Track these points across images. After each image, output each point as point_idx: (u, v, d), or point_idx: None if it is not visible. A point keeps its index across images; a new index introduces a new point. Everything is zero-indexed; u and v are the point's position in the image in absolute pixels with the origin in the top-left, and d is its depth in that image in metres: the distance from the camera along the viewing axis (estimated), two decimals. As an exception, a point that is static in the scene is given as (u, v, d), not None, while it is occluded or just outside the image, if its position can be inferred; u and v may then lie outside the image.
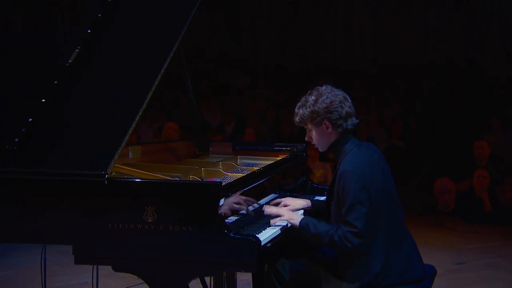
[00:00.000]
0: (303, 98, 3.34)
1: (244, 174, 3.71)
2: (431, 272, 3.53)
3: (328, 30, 12.53)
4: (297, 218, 3.33)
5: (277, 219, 3.36)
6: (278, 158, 4.14)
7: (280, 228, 3.33)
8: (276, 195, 3.89)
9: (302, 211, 3.59)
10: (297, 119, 3.34)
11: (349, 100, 3.32)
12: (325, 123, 3.28)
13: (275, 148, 4.26)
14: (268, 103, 11.51)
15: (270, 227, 3.35)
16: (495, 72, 11.05)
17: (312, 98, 3.29)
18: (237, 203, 3.37)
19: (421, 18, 11.67)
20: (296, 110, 3.35)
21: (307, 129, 3.36)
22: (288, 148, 4.22)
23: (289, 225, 3.35)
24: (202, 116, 9.82)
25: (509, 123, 9.47)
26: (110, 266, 3.19)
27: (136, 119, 3.29)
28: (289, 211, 3.45)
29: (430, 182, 7.95)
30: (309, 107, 3.28)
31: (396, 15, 11.82)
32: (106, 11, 3.74)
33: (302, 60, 12.65)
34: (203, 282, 4.04)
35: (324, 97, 3.27)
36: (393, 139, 9.91)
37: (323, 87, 3.32)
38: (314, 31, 12.50)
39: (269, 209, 3.45)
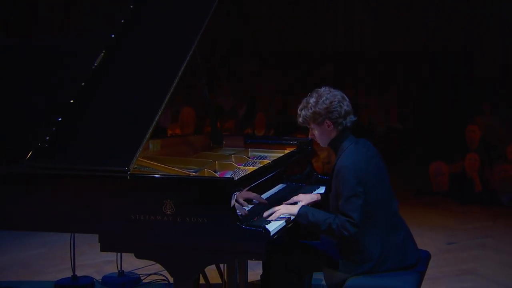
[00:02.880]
0: (304, 100, 3.35)
1: (255, 167, 3.73)
2: (425, 257, 3.55)
3: (328, 29, 12.32)
4: (294, 208, 3.34)
5: (276, 213, 3.34)
6: (286, 151, 4.15)
7: (286, 220, 3.34)
8: (284, 185, 3.91)
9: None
10: (300, 120, 3.35)
11: (347, 99, 3.34)
12: (326, 122, 3.30)
13: (283, 142, 4.27)
14: (276, 88, 11.44)
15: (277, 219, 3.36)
16: (487, 59, 10.92)
17: (312, 100, 3.31)
18: (248, 197, 3.39)
19: (421, 18, 11.47)
20: (299, 112, 3.36)
21: (310, 128, 3.38)
22: (295, 142, 4.23)
23: (292, 217, 3.36)
24: (215, 99, 9.77)
25: (498, 106, 9.39)
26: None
27: (156, 119, 3.31)
28: (286, 205, 3.43)
29: (425, 164, 7.93)
30: (311, 108, 3.30)
31: (396, 15, 11.61)
32: (128, 17, 3.74)
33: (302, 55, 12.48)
34: (218, 266, 4.08)
35: (324, 98, 3.29)
36: (392, 122, 9.87)
37: (322, 89, 3.34)
38: (314, 30, 12.29)
39: (267, 212, 3.39)
